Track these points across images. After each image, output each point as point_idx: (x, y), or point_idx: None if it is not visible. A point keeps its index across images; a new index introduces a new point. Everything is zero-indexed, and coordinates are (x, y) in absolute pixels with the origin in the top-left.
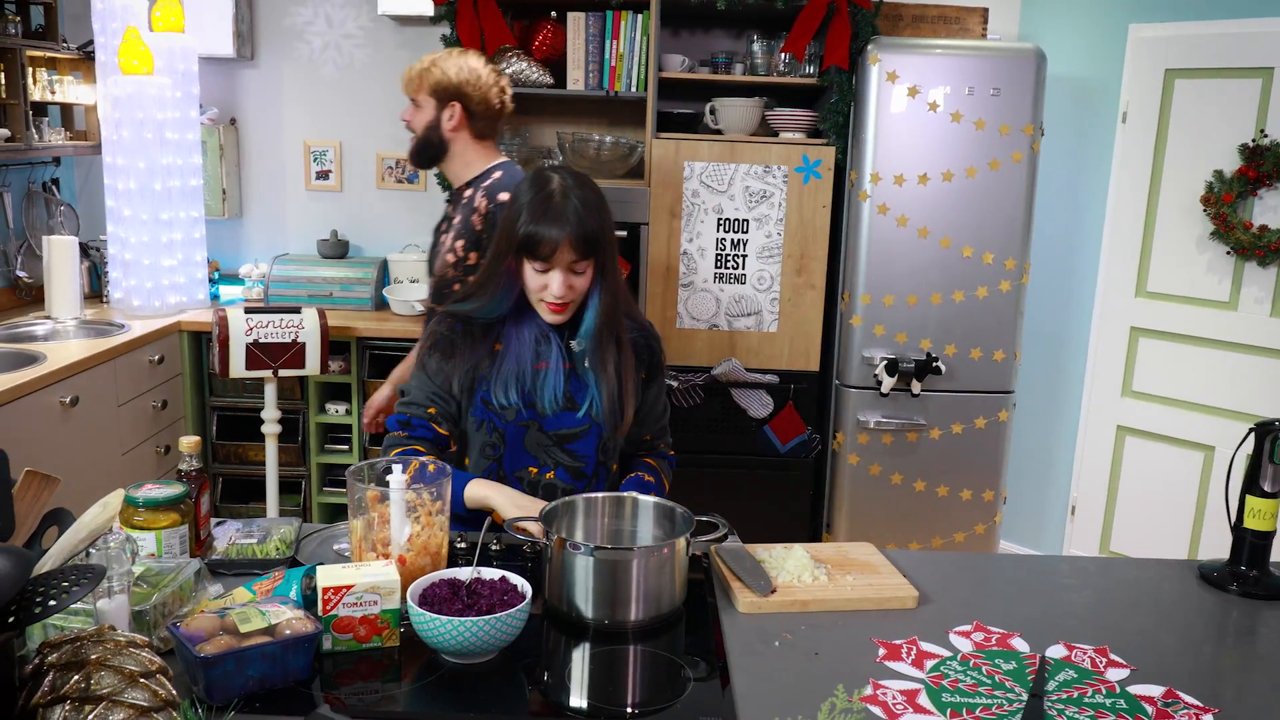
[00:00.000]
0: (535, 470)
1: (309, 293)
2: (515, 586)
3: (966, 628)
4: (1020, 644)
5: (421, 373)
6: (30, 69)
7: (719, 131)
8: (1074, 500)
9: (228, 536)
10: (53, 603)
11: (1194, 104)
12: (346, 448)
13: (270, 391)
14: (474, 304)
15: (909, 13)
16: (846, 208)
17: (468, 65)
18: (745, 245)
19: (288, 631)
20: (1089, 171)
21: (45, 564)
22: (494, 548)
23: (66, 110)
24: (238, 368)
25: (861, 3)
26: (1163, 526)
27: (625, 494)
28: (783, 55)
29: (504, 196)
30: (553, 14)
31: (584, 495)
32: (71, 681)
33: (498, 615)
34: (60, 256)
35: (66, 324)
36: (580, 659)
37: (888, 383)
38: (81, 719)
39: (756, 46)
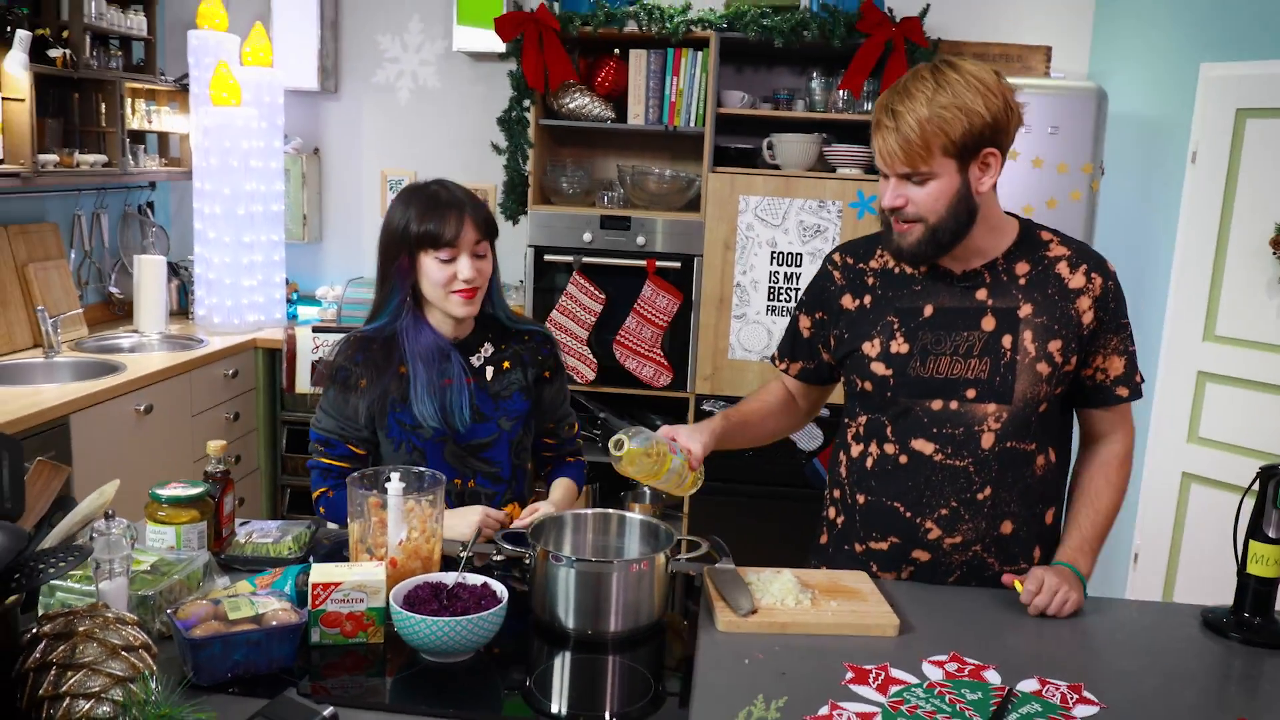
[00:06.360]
0: (459, 482)
1: None
2: (495, 592)
3: (942, 657)
4: (993, 676)
5: (323, 405)
6: (130, 100)
7: (776, 167)
8: (1137, 548)
9: (248, 535)
10: (39, 575)
11: (1266, 144)
12: None
13: None
14: (376, 323)
15: (969, 50)
16: None
17: (983, 81)
18: (798, 279)
19: (273, 621)
20: (1157, 212)
21: (46, 544)
22: (496, 558)
23: (163, 138)
24: (303, 383)
25: (919, 41)
26: (1229, 575)
27: (613, 511)
28: (841, 92)
29: (1113, 266)
30: (616, 51)
31: (574, 511)
32: (59, 650)
33: (469, 617)
34: (148, 275)
35: (151, 338)
36: (558, 666)
37: None
38: (64, 683)
39: (815, 84)
